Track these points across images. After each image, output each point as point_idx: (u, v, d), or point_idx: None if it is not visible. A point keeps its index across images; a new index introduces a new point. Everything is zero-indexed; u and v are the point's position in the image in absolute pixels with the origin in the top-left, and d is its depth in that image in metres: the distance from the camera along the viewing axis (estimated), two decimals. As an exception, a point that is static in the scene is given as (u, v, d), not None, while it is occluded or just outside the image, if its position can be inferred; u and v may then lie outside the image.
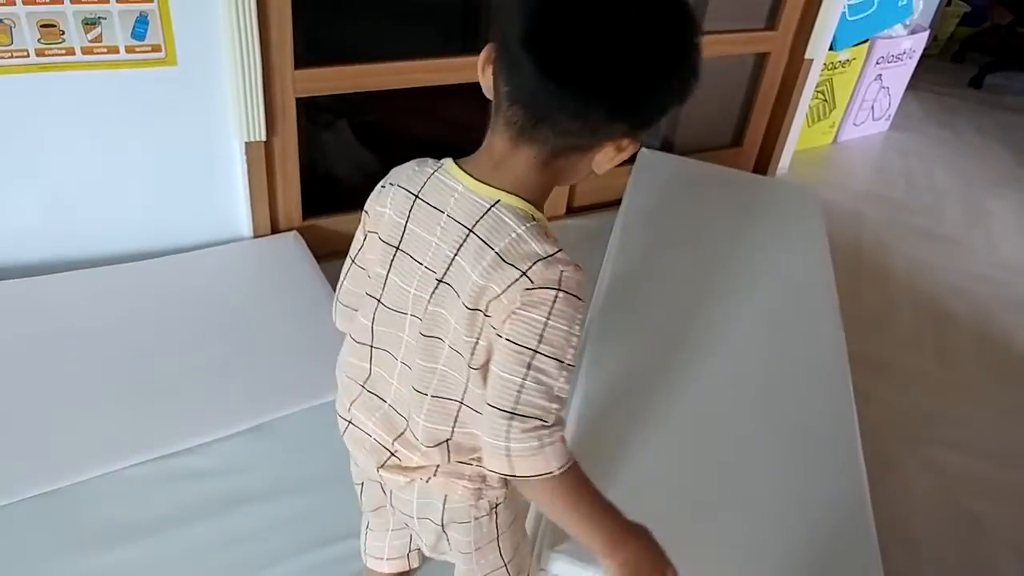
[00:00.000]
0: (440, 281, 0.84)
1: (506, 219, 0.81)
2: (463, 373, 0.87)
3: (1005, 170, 3.71)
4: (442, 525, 1.03)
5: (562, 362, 0.80)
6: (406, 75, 2.24)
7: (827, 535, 1.46)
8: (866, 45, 3.47)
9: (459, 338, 0.84)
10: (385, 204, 0.90)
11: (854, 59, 3.47)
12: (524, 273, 0.78)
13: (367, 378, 0.99)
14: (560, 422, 0.83)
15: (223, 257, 2.15)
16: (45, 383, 1.69)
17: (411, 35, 2.42)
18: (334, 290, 1.05)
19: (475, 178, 0.83)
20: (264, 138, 2.06)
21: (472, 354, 0.84)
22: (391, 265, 0.89)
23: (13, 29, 1.69)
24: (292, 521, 1.50)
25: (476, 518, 1.03)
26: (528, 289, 0.78)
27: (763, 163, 3.25)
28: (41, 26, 1.71)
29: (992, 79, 4.69)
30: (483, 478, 0.99)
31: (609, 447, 1.52)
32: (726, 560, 1.40)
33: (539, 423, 0.80)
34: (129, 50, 1.81)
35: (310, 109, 2.30)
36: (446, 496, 1.00)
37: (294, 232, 2.27)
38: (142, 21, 1.79)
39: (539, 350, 0.79)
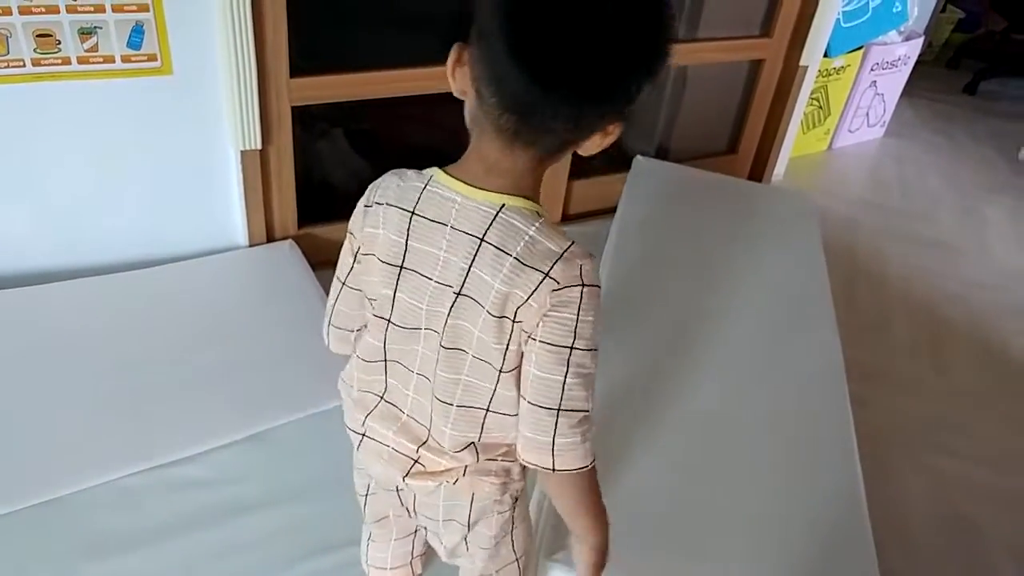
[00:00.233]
0: (459, 294, 0.84)
1: (515, 222, 0.81)
2: (489, 381, 0.88)
3: (1000, 176, 3.72)
4: (468, 525, 1.04)
5: (595, 350, 0.84)
6: (401, 83, 2.25)
7: (824, 539, 1.47)
8: (861, 52, 3.48)
9: (485, 347, 0.85)
10: (377, 225, 0.88)
11: (849, 66, 3.48)
12: (547, 275, 0.79)
13: (384, 390, 0.99)
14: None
15: (219, 266, 2.15)
16: (41, 392, 1.69)
17: (406, 44, 2.42)
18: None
19: (471, 185, 0.83)
20: (260, 147, 2.07)
21: (504, 359, 0.85)
22: (397, 284, 0.88)
23: (9, 39, 1.69)
24: (289, 529, 1.50)
25: (499, 512, 1.05)
26: (555, 291, 0.80)
27: (758, 170, 3.26)
28: (37, 36, 1.71)
29: (987, 85, 4.70)
30: (507, 472, 1.00)
31: (609, 450, 1.52)
32: (723, 564, 1.40)
33: (583, 415, 0.84)
34: (125, 59, 1.82)
35: (305, 118, 2.31)
36: (473, 495, 1.01)
37: (289, 241, 2.27)
38: (138, 31, 1.79)
39: (575, 346, 0.82)
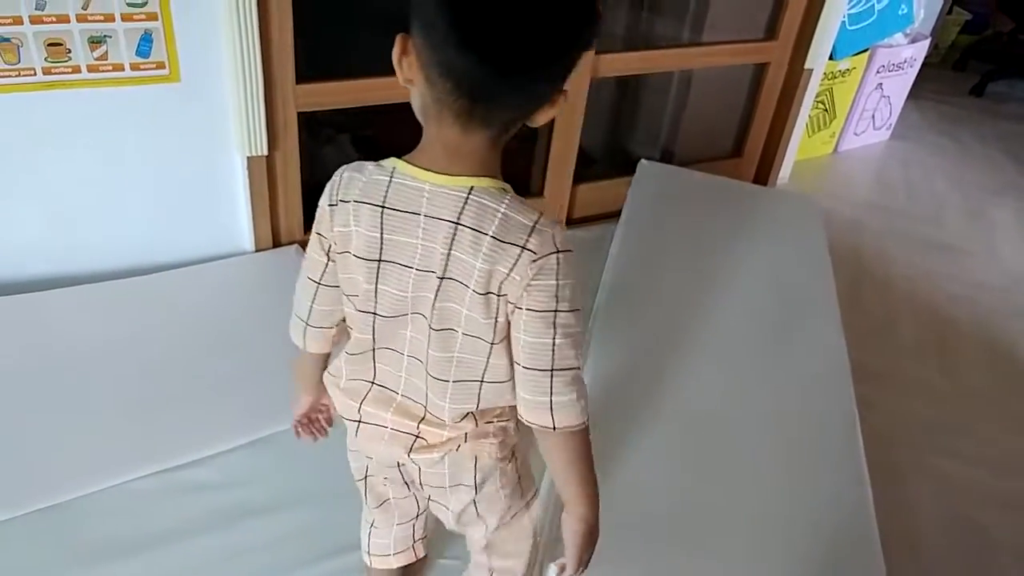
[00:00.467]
0: (443, 278, 0.87)
1: (486, 202, 0.84)
2: (481, 354, 0.91)
3: (1007, 179, 3.71)
4: (475, 486, 1.07)
5: (578, 310, 0.89)
6: (407, 89, 2.25)
7: (829, 541, 1.47)
8: (866, 54, 3.48)
9: (475, 323, 0.88)
10: (348, 223, 0.90)
11: (854, 68, 3.48)
12: (524, 247, 0.83)
13: (373, 375, 1.01)
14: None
15: (225, 271, 2.17)
16: (47, 398, 1.70)
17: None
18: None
19: (437, 172, 0.85)
20: (266, 152, 2.08)
21: (494, 332, 0.89)
22: (378, 277, 0.91)
23: (20, 48, 1.71)
24: (297, 533, 1.51)
25: (502, 468, 1.08)
26: (534, 261, 0.84)
27: (763, 173, 3.26)
28: (48, 45, 1.73)
29: (994, 87, 4.69)
30: (504, 430, 1.04)
31: (614, 450, 1.53)
32: (727, 566, 1.40)
33: (575, 372, 0.90)
34: (134, 67, 1.84)
35: (312, 123, 2.32)
36: (476, 457, 1.04)
37: (295, 246, 2.28)
38: (146, 39, 1.81)
39: (559, 308, 0.86)
